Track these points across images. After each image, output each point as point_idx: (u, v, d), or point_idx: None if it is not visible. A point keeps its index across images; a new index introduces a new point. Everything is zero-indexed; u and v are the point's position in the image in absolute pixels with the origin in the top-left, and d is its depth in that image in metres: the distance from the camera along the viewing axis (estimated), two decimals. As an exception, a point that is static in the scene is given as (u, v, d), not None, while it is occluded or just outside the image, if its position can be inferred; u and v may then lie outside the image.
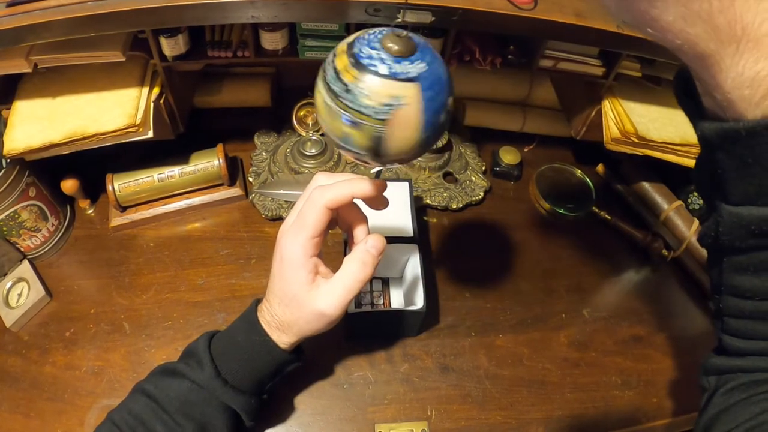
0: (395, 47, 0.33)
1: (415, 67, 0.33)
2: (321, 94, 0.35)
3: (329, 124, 0.35)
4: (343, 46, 0.35)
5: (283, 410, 0.58)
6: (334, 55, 0.34)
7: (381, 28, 0.35)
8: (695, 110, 0.30)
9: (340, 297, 0.46)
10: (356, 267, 0.46)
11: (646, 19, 0.26)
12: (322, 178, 0.47)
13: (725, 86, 0.26)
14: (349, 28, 0.63)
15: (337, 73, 0.33)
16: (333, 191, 0.44)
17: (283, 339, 0.48)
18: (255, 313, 0.49)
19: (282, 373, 0.52)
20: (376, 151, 0.35)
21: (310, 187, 0.47)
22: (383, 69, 0.32)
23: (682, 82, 0.31)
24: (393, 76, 0.32)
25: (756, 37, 0.24)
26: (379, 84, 0.32)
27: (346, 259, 0.47)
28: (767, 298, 0.34)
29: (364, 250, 0.46)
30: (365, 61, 0.33)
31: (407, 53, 0.33)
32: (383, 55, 0.33)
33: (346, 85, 0.33)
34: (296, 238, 0.45)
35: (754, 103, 0.26)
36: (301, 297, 0.46)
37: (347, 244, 0.59)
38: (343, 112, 0.33)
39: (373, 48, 0.33)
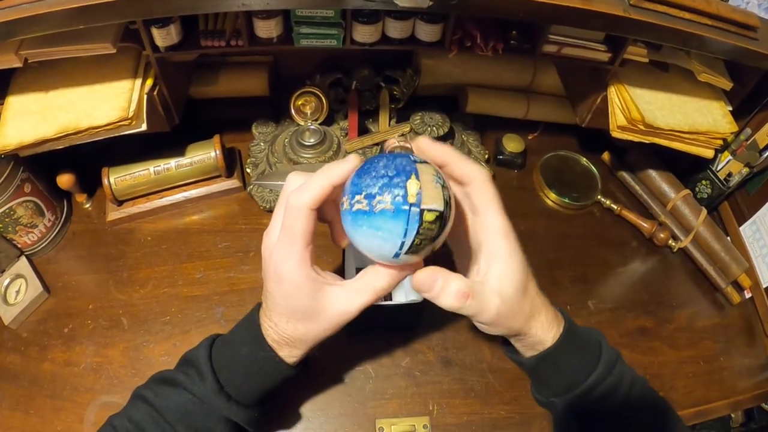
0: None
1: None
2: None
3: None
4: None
5: (281, 406, 0.58)
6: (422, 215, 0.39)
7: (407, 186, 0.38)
8: (516, 356, 0.50)
9: (361, 301, 0.44)
10: (383, 279, 0.43)
11: (488, 331, 0.46)
12: (294, 179, 0.43)
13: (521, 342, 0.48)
14: (345, 15, 0.61)
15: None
16: (311, 189, 0.40)
17: (294, 353, 0.46)
18: (259, 326, 0.46)
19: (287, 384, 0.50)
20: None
21: (285, 192, 0.43)
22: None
23: (509, 346, 0.50)
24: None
25: (528, 329, 0.46)
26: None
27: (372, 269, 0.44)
28: None
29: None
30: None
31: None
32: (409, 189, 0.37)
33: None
34: (290, 253, 0.41)
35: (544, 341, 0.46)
36: (314, 309, 0.43)
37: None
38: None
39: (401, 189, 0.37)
